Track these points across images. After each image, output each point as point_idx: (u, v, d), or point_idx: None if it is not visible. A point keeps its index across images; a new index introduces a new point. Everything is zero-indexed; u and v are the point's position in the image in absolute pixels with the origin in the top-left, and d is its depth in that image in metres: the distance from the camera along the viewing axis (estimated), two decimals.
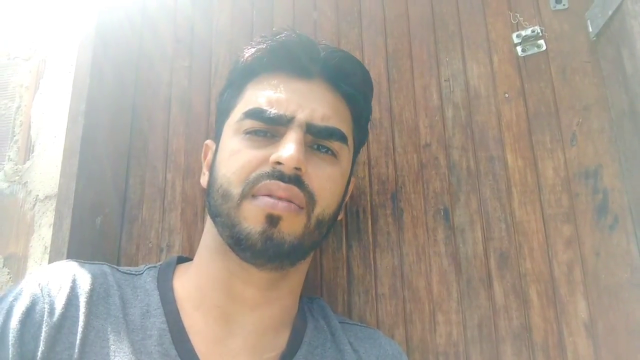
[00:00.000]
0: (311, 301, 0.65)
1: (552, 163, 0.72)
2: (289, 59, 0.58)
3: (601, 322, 0.65)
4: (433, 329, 0.69)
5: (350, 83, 0.60)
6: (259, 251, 0.51)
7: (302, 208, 0.52)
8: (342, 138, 0.57)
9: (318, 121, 0.55)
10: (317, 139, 0.56)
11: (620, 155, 0.69)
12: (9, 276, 0.79)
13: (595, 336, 0.64)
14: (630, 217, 0.67)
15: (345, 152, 0.59)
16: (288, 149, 0.51)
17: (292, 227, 0.52)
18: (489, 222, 0.71)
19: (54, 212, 0.74)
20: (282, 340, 0.56)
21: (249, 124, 0.55)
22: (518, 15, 0.78)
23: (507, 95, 0.76)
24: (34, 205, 0.81)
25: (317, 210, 0.54)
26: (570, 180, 0.71)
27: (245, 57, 0.59)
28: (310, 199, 0.53)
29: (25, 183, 0.83)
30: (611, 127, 0.71)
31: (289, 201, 0.51)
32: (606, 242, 0.67)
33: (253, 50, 0.59)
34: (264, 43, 0.59)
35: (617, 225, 0.67)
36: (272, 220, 0.51)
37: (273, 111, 0.54)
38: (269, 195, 0.51)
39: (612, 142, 0.70)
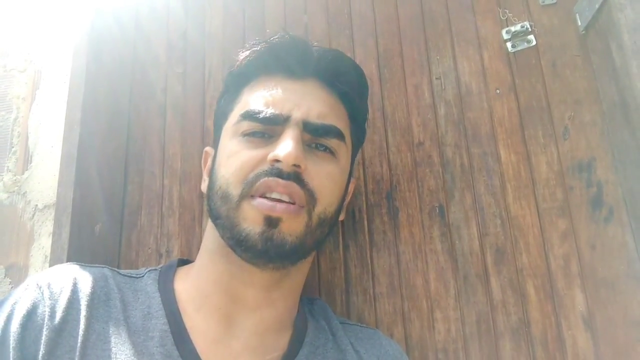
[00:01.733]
0: (311, 302, 0.65)
1: (546, 157, 0.72)
2: (283, 61, 0.58)
3: (599, 314, 0.65)
4: (431, 326, 0.69)
5: (345, 82, 0.60)
6: (259, 252, 0.51)
7: (302, 207, 0.52)
8: (340, 135, 0.57)
9: (314, 119, 0.55)
10: (315, 137, 0.56)
11: (613, 148, 0.69)
12: (10, 286, 0.79)
13: (593, 329, 0.64)
14: (624, 209, 0.67)
15: (343, 150, 0.59)
16: (286, 146, 0.51)
17: (292, 227, 0.51)
18: (484, 218, 0.71)
19: (53, 221, 0.74)
20: (283, 341, 0.57)
21: (246, 125, 0.55)
22: (507, 12, 0.78)
23: (498, 91, 0.76)
24: (34, 214, 0.82)
25: (319, 208, 0.53)
26: (564, 174, 0.70)
27: (240, 60, 0.60)
28: (311, 197, 0.53)
29: (24, 193, 0.84)
30: (603, 119, 0.71)
31: (289, 202, 0.51)
32: (602, 235, 0.67)
33: (247, 53, 0.59)
34: (257, 45, 0.59)
35: (612, 217, 0.67)
36: (271, 222, 0.51)
37: (269, 111, 0.54)
38: (267, 197, 0.51)
39: (604, 134, 0.70)
